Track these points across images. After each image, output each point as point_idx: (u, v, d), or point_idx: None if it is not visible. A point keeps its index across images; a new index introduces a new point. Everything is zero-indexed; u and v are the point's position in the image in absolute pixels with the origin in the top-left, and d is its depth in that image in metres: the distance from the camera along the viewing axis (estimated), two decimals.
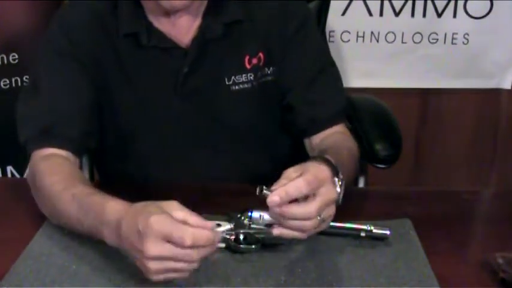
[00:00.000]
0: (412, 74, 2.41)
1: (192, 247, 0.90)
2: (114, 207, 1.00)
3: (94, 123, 1.29)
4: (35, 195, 1.18)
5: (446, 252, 1.08)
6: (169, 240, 0.90)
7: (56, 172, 1.16)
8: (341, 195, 1.05)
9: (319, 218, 0.99)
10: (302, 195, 0.97)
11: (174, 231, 0.90)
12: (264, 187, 0.98)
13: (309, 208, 0.98)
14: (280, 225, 1.00)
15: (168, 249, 0.91)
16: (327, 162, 1.05)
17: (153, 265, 0.92)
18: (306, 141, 1.36)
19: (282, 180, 0.99)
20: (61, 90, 1.26)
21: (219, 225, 1.05)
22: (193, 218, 0.93)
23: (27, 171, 1.24)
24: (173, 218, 0.92)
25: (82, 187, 1.10)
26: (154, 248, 0.91)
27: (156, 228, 0.90)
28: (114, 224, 0.98)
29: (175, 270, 0.93)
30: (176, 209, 0.93)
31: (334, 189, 1.02)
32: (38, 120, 1.24)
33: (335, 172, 1.04)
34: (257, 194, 0.98)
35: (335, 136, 1.32)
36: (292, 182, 0.97)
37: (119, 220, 0.97)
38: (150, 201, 0.96)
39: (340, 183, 1.04)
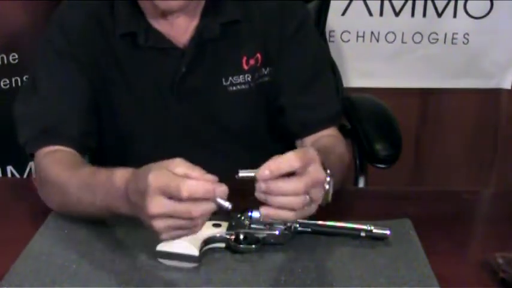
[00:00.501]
0: (412, 73, 2.41)
1: (190, 199, 0.90)
2: (121, 175, 1.01)
3: (93, 123, 1.29)
4: (42, 192, 1.18)
5: (446, 252, 1.08)
6: (167, 194, 0.90)
7: (59, 163, 1.17)
8: (330, 194, 1.01)
9: (307, 197, 0.96)
10: (293, 169, 0.94)
11: (170, 183, 0.90)
12: (240, 170, 0.95)
13: (297, 183, 0.95)
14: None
15: (166, 205, 0.91)
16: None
17: (156, 223, 0.92)
18: (298, 143, 1.35)
19: (266, 165, 0.96)
20: (60, 90, 1.26)
21: (218, 225, 1.05)
22: (195, 172, 0.92)
23: (32, 171, 1.24)
24: (173, 173, 0.91)
25: (86, 169, 1.11)
26: (154, 205, 0.91)
27: (154, 184, 0.91)
28: (123, 190, 0.99)
29: (179, 227, 0.93)
30: (178, 165, 0.93)
31: (322, 170, 0.98)
32: (38, 121, 1.24)
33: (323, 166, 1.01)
34: (237, 178, 0.95)
35: (326, 139, 1.30)
36: (282, 156, 0.95)
37: (126, 185, 0.98)
38: (156, 162, 0.95)
39: (328, 179, 1.00)
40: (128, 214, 1.01)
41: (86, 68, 1.26)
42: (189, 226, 0.94)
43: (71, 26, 1.27)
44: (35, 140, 1.24)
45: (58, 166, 1.16)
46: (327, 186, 1.00)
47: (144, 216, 0.94)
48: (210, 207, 0.92)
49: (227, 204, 0.92)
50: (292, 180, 0.95)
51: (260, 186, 0.95)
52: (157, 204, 0.91)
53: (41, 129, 1.23)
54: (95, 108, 1.29)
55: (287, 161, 0.94)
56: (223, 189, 0.92)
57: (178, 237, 0.96)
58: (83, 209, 1.10)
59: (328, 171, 1.01)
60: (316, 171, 0.97)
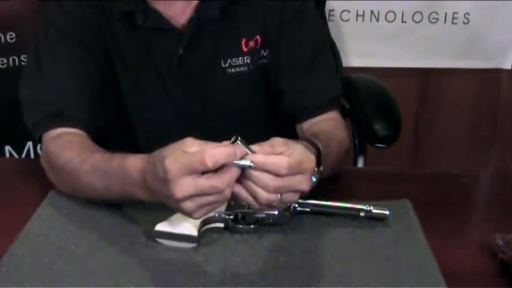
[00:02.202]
0: (412, 53, 2.39)
1: (215, 169, 0.90)
2: (134, 164, 1.00)
3: (100, 102, 1.27)
4: (52, 177, 1.17)
5: (445, 233, 1.08)
6: (191, 171, 0.90)
7: (69, 148, 1.15)
8: (312, 186, 1.00)
9: (279, 196, 0.95)
10: (277, 174, 0.93)
11: (192, 159, 0.90)
12: (239, 139, 0.94)
13: (270, 181, 0.93)
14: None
15: (192, 186, 0.90)
16: (316, 150, 1.03)
17: (186, 206, 0.92)
18: (297, 126, 1.33)
19: (266, 146, 0.95)
20: (66, 70, 1.24)
21: None
22: (210, 144, 0.92)
23: (40, 154, 1.22)
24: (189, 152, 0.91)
25: (99, 155, 1.10)
26: (179, 189, 0.90)
27: (174, 168, 0.90)
28: (140, 179, 0.98)
29: (209, 204, 0.93)
30: (190, 145, 0.93)
31: (308, 182, 0.97)
32: (45, 104, 1.22)
33: (317, 163, 1.01)
34: (230, 142, 0.94)
35: (326, 123, 1.29)
36: (276, 158, 0.93)
37: (142, 174, 0.98)
38: (167, 146, 0.95)
39: (314, 179, 1.00)
40: (146, 200, 1.00)
41: (90, 47, 1.25)
42: (218, 200, 0.93)
43: (70, 5, 1.25)
44: (43, 123, 1.22)
45: (68, 151, 1.14)
46: (314, 179, 0.99)
47: (170, 202, 0.93)
48: (234, 174, 0.92)
49: (248, 163, 0.92)
50: (267, 176, 0.93)
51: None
52: (182, 187, 0.90)
53: (49, 112, 1.21)
54: (101, 87, 1.27)
55: (276, 165, 0.93)
56: (242, 149, 0.92)
57: (210, 211, 0.96)
58: (97, 195, 1.09)
59: (321, 167, 1.01)
60: (300, 181, 0.95)
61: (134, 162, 1.01)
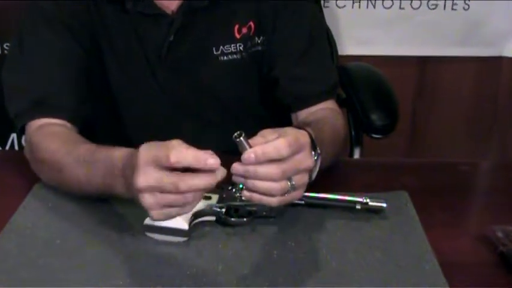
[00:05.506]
0: (409, 41, 2.37)
1: (178, 166, 0.88)
2: (120, 153, 0.99)
3: (87, 91, 1.25)
4: (35, 168, 1.15)
5: (443, 225, 1.07)
6: (157, 164, 0.88)
7: (53, 140, 1.13)
8: (315, 172, 0.99)
9: (289, 183, 0.93)
10: (281, 157, 0.91)
11: (159, 152, 0.88)
12: (243, 135, 0.91)
13: (274, 169, 0.91)
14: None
15: (154, 177, 0.88)
16: (308, 134, 1.00)
17: (145, 199, 0.90)
18: (293, 116, 1.32)
19: (257, 138, 0.93)
20: (52, 58, 1.22)
21: (209, 197, 1.03)
22: (191, 148, 0.89)
23: (23, 143, 1.21)
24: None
25: (85, 147, 1.08)
26: (142, 177, 0.89)
27: (144, 156, 0.89)
28: (121, 167, 0.97)
29: (169, 204, 0.90)
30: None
31: (310, 157, 0.96)
32: (29, 92, 1.20)
33: (313, 145, 0.98)
34: (232, 137, 0.91)
35: (322, 112, 1.27)
36: (272, 142, 0.91)
37: (124, 163, 0.96)
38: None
39: (315, 157, 0.98)
40: (123, 194, 0.98)
41: (77, 34, 1.23)
42: (178, 202, 0.90)
43: None
44: (26, 112, 1.20)
45: (52, 142, 1.12)
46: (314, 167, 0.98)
47: (134, 192, 0.91)
48: (199, 182, 0.89)
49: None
50: (269, 166, 0.91)
51: (237, 169, 0.91)
52: (144, 176, 0.89)
53: (32, 100, 1.20)
54: (88, 75, 1.25)
55: (276, 148, 0.90)
56: (216, 161, 0.88)
57: (169, 216, 0.93)
58: (80, 187, 1.07)
59: (318, 150, 0.99)
60: (302, 159, 0.94)
61: (120, 152, 0.99)
